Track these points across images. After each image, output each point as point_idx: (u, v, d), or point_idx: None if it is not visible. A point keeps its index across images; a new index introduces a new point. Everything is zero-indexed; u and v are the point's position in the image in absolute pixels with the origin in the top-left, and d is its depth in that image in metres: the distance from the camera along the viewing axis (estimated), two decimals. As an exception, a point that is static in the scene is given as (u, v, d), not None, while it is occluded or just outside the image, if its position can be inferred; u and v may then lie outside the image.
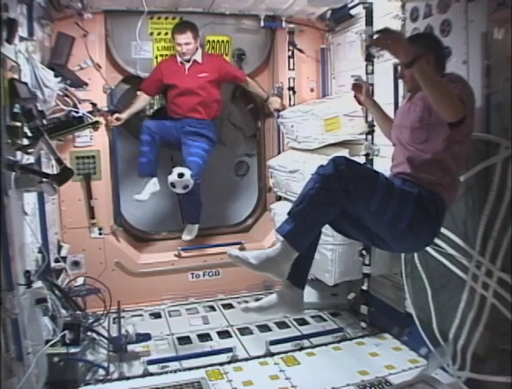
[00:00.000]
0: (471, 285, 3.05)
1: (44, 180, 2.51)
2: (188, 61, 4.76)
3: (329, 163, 2.52)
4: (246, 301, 4.98)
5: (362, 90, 3.30)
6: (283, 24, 4.98)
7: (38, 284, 2.97)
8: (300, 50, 5.04)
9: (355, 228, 2.85)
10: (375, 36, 2.50)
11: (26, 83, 3.00)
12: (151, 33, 4.86)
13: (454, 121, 2.54)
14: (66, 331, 3.35)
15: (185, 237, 5.18)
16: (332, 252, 3.96)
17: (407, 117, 2.88)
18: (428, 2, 3.47)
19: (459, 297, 3.13)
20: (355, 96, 3.37)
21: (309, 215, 2.52)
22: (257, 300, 2.90)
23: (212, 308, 4.90)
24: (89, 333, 3.70)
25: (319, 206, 2.51)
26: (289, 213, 2.59)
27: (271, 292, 2.84)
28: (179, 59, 4.78)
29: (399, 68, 3.06)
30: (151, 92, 4.92)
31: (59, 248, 4.33)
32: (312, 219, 2.54)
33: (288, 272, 2.62)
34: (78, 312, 3.66)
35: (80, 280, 4.27)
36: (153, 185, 4.85)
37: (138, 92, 4.87)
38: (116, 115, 4.66)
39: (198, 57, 4.79)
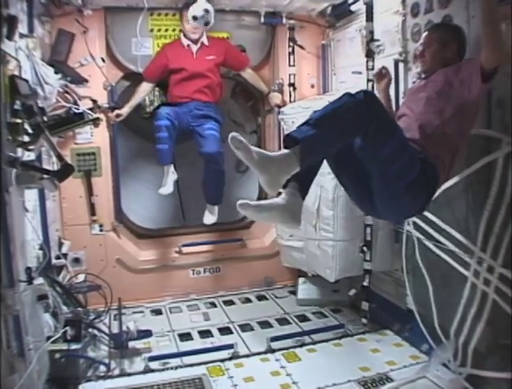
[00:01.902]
0: (472, 281, 3.05)
1: (45, 176, 2.51)
2: (195, 42, 4.71)
3: (360, 91, 2.49)
4: (247, 299, 5.01)
5: (383, 81, 3.38)
6: (284, 20, 4.96)
7: (39, 280, 2.97)
8: (300, 46, 5.03)
9: (353, 175, 2.77)
10: None
11: (26, 80, 2.99)
12: (152, 30, 4.84)
13: (495, 65, 2.63)
14: (68, 328, 3.35)
15: (208, 219, 4.92)
16: (333, 248, 3.96)
17: (423, 91, 2.93)
18: (429, -4, 3.47)
19: (460, 293, 3.13)
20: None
21: (335, 127, 2.38)
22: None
23: (213, 304, 4.90)
24: (90, 330, 3.71)
25: (345, 122, 2.39)
26: (309, 121, 2.40)
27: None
28: (185, 42, 4.72)
29: (419, 49, 3.08)
30: (154, 79, 4.83)
31: (60, 245, 4.33)
32: (336, 131, 2.39)
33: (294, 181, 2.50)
34: (79, 309, 3.67)
35: (81, 277, 4.26)
36: (172, 173, 4.75)
37: (143, 76, 4.79)
38: (116, 111, 4.63)
39: (204, 39, 4.74)
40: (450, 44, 2.95)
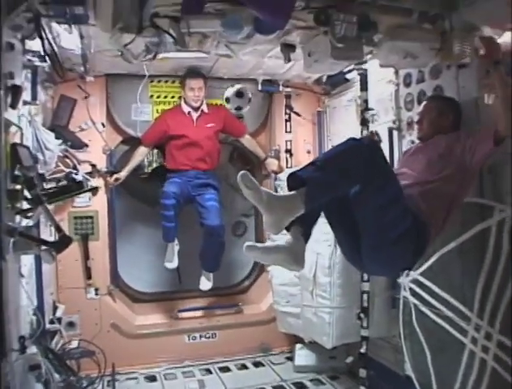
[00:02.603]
0: (470, 348, 3.02)
1: (43, 247, 2.52)
2: (196, 110, 4.80)
3: (363, 137, 2.57)
4: (244, 365, 4.93)
5: None
6: (281, 88, 5.09)
7: (32, 349, 2.93)
8: (296, 113, 5.14)
9: (344, 222, 2.76)
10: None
11: (28, 147, 3.04)
12: (151, 96, 4.96)
13: (507, 134, 2.68)
14: (60, 399, 3.28)
15: (205, 285, 4.99)
16: (330, 315, 3.93)
17: (422, 153, 3.06)
18: (420, 68, 3.59)
19: (459, 360, 3.09)
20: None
21: (340, 170, 2.39)
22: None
23: (209, 371, 4.81)
24: (83, 398, 3.64)
25: (350, 165, 2.41)
26: (315, 163, 2.44)
27: None
28: (186, 109, 4.80)
29: (418, 116, 3.27)
30: (152, 144, 4.94)
31: (54, 308, 4.27)
32: (341, 174, 2.40)
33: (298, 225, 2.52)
34: (71, 377, 3.59)
35: (75, 343, 4.20)
36: (176, 246, 4.89)
37: (141, 140, 4.88)
38: (115, 176, 4.68)
39: (204, 107, 4.84)
40: (446, 114, 3.09)
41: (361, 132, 4.06)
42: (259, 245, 2.48)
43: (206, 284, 4.97)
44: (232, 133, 5.08)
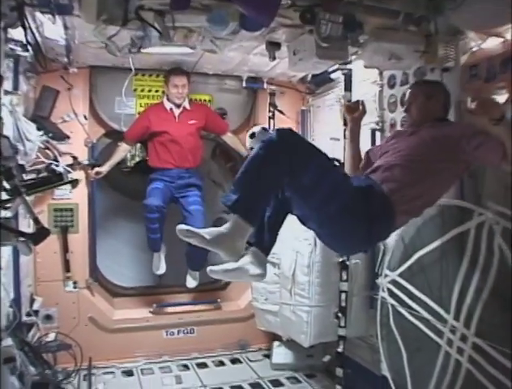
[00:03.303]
0: (446, 350, 3.06)
1: (21, 239, 2.49)
2: (178, 107, 4.79)
3: (274, 132, 2.51)
4: (221, 361, 4.93)
5: (357, 112, 3.30)
6: (265, 85, 5.08)
7: (8, 341, 2.90)
8: (280, 111, 5.12)
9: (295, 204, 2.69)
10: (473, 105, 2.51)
11: (8, 137, 3.00)
12: (135, 89, 4.92)
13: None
14: (34, 392, 3.25)
15: (191, 283, 5.09)
16: (308, 314, 3.94)
17: (412, 136, 2.86)
18: (404, 70, 3.60)
19: (435, 361, 3.12)
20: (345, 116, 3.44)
21: (255, 183, 2.38)
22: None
23: (186, 367, 4.81)
24: (58, 391, 3.61)
25: (264, 171, 2.38)
26: (234, 184, 2.44)
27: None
28: (168, 106, 4.80)
29: (406, 104, 3.06)
30: (135, 140, 4.96)
31: (31, 301, 4.23)
32: (258, 186, 2.38)
33: (253, 241, 2.55)
34: (47, 371, 3.56)
35: (52, 336, 4.17)
36: (163, 253, 5.02)
37: (119, 143, 4.88)
38: (96, 169, 4.65)
39: (186, 104, 4.83)
40: (434, 97, 2.92)
41: (344, 131, 4.05)
42: (216, 268, 2.45)
43: (192, 282, 5.08)
44: (214, 130, 5.09)
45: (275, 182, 2.45)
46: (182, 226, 2.35)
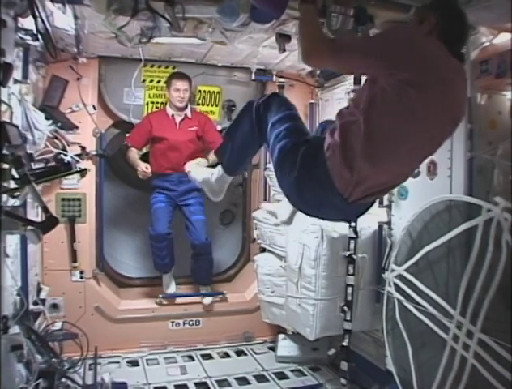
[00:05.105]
0: (451, 345, 3.05)
1: (29, 227, 2.50)
2: (180, 110, 4.84)
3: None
4: (226, 353, 4.95)
5: None
6: (274, 78, 5.07)
7: (15, 329, 2.92)
8: (289, 104, 5.11)
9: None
10: None
11: (17, 126, 3.01)
12: (144, 80, 4.94)
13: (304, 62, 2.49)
14: (40, 380, 3.26)
15: (207, 300, 5.16)
16: (313, 307, 3.93)
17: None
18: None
19: (440, 356, 3.11)
20: None
21: (237, 141, 2.86)
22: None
23: (191, 358, 4.83)
24: (64, 380, 3.62)
25: (242, 125, 2.82)
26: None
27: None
28: (170, 112, 4.86)
29: None
30: (140, 145, 4.97)
31: (38, 290, 4.25)
32: (240, 143, 2.85)
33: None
34: (53, 359, 3.58)
35: (58, 325, 4.19)
36: (171, 274, 5.17)
37: (129, 143, 4.90)
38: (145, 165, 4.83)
39: (188, 112, 4.91)
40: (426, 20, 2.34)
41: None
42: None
43: (207, 299, 5.17)
44: (205, 141, 4.99)
45: (250, 134, 2.80)
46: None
